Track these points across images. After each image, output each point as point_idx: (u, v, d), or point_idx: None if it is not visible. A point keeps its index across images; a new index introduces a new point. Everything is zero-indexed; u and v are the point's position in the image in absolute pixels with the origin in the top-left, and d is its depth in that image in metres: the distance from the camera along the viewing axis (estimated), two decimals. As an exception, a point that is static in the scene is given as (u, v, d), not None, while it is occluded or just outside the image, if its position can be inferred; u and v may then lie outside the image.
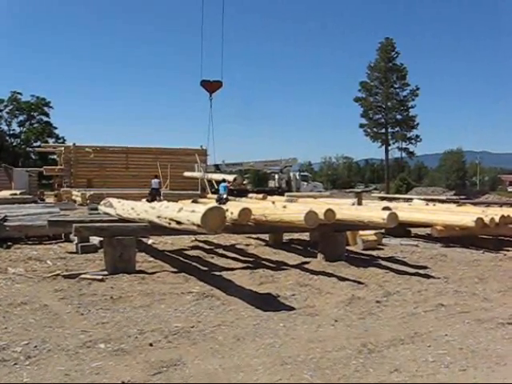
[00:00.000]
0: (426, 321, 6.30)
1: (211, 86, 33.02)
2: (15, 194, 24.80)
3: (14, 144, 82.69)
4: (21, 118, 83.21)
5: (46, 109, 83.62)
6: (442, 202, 25.57)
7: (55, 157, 54.53)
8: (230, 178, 28.42)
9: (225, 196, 23.40)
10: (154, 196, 28.08)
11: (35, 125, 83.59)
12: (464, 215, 13.11)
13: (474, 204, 24.36)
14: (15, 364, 4.69)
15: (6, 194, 26.11)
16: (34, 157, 77.16)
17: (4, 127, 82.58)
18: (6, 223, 12.69)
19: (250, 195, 26.84)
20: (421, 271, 9.54)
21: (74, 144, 44.61)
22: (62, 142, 70.79)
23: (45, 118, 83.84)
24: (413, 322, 6.23)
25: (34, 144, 76.88)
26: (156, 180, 31.85)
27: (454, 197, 36.75)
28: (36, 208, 16.55)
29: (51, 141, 77.47)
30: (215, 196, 27.04)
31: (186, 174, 38.96)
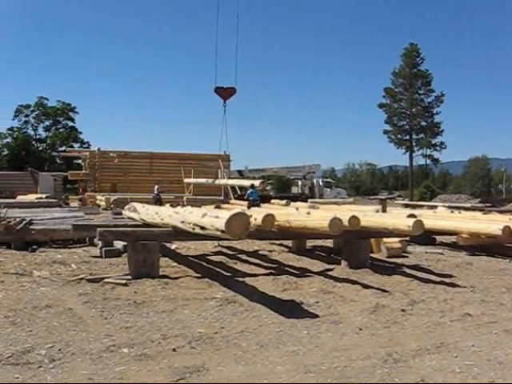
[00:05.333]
0: (453, 330, 6.21)
1: (225, 93, 33.11)
2: (41, 198, 25.03)
3: (40, 149, 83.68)
4: (47, 123, 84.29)
5: (71, 114, 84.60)
6: (467, 209, 25.25)
7: (80, 161, 55.11)
8: (256, 182, 28.28)
9: (258, 203, 23.31)
10: (158, 201, 28.21)
11: (61, 130, 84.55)
12: (490, 223, 12.91)
13: (500, 212, 23.99)
14: (40, 367, 4.71)
15: (31, 197, 26.42)
16: (59, 161, 77.93)
17: (30, 132, 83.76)
18: (31, 227, 12.82)
19: (273, 201, 26.77)
20: (446, 280, 9.41)
21: (99, 149, 44.99)
22: (87, 147, 71.58)
23: (70, 123, 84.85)
24: (439, 332, 6.14)
25: (60, 149, 77.65)
26: (157, 186, 31.76)
27: (479, 204, 36.28)
28: (61, 212, 16.70)
29: (76, 146, 78.39)
30: (238, 202, 26.96)
31: (187, 180, 38.56)
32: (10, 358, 4.88)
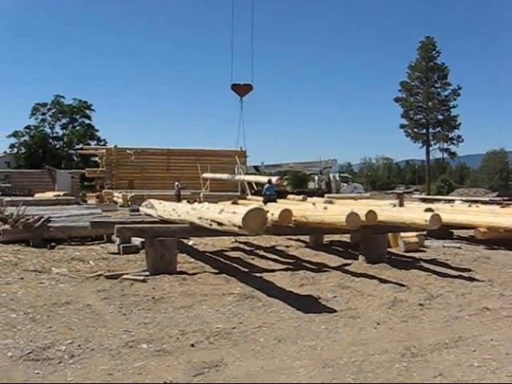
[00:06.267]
0: (471, 325, 6.18)
1: (241, 90, 33.26)
2: (58, 196, 25.19)
3: (57, 147, 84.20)
4: (64, 120, 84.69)
5: (87, 112, 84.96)
6: (485, 203, 25.07)
7: (97, 159, 55.45)
8: (273, 179, 28.50)
9: (274, 198, 23.42)
10: (178, 197, 28.76)
11: (77, 127, 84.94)
12: (509, 217, 12.83)
13: (519, 206, 23.75)
14: (60, 363, 4.76)
15: (49, 195, 26.60)
16: (76, 159, 78.35)
17: (47, 130, 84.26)
18: (49, 224, 12.92)
19: (290, 196, 26.78)
20: (464, 274, 9.36)
21: (116, 146, 45.24)
22: (104, 145, 71.80)
23: (87, 121, 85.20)
24: (457, 326, 6.12)
25: (77, 146, 78.05)
26: (177, 183, 32.53)
27: (497, 198, 35.90)
28: (78, 209, 16.79)
29: (93, 143, 78.63)
30: (255, 198, 27.03)
31: (207, 175, 38.76)
32: (31, 353, 4.93)
